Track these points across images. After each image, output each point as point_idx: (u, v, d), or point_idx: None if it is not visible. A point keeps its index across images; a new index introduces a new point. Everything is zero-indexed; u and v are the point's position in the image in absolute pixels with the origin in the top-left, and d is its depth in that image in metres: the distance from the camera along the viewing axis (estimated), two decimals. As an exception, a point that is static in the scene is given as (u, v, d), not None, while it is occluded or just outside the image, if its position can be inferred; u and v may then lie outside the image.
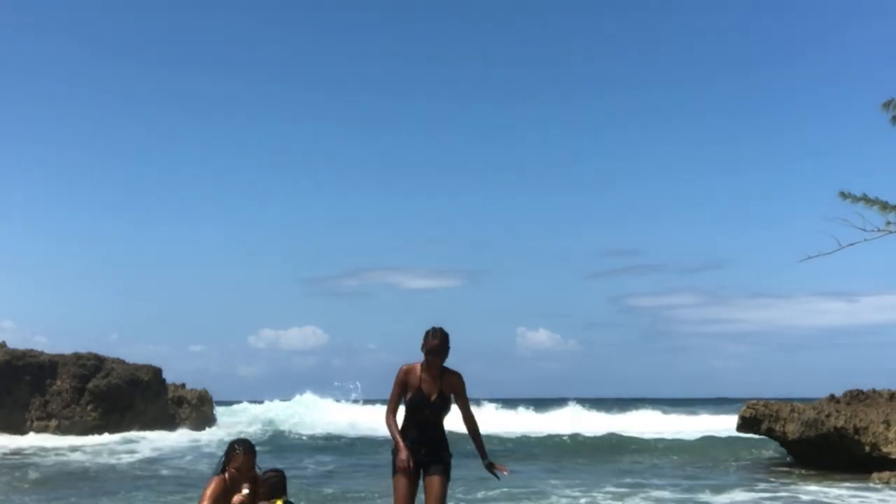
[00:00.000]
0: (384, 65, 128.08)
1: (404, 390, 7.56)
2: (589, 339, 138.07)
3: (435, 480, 7.44)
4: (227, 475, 6.57)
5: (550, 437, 37.24)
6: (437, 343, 7.55)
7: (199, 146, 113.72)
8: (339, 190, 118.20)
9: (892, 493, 19.50)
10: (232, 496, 6.47)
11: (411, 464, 7.31)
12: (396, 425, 7.52)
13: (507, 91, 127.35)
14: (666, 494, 19.37)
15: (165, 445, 30.62)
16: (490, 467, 7.61)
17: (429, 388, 7.52)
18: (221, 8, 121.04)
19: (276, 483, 6.68)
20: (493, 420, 42.97)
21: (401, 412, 7.65)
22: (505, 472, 7.62)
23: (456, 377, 7.65)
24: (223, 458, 6.65)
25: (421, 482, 7.51)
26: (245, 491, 6.44)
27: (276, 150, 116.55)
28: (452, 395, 7.63)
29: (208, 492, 6.52)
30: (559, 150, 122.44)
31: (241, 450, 6.57)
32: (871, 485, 20.81)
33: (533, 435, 38.31)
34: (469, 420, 7.79)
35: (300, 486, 18.44)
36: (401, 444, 7.35)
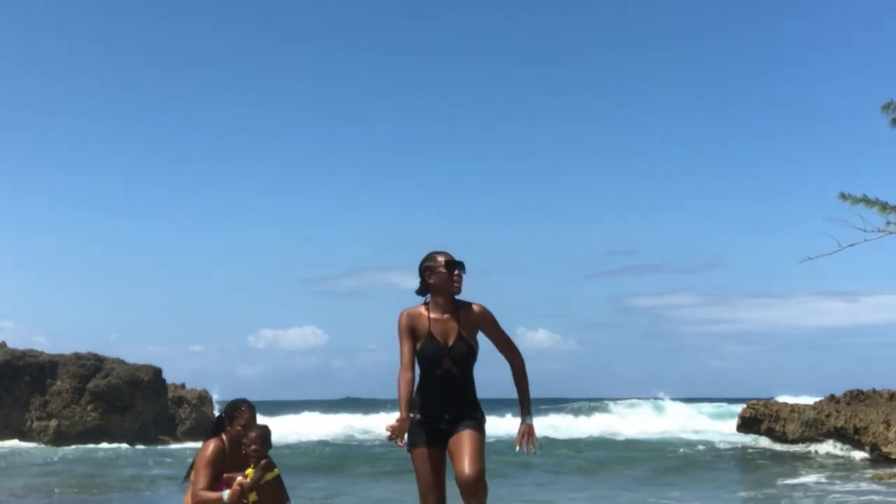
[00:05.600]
0: (386, 62, 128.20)
1: (413, 339, 5.74)
2: (589, 339, 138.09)
3: (464, 434, 5.64)
4: (224, 436, 6.37)
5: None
6: (449, 258, 5.86)
7: (199, 147, 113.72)
8: (338, 190, 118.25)
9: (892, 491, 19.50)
10: (231, 457, 6.26)
11: (401, 440, 5.59)
12: (409, 386, 5.65)
13: (507, 91, 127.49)
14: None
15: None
16: (524, 434, 5.79)
17: (444, 330, 5.72)
18: (221, 6, 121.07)
19: (267, 434, 6.39)
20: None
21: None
22: (532, 450, 5.78)
23: (478, 308, 5.85)
24: (221, 418, 6.48)
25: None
26: (242, 477, 6.21)
27: (275, 150, 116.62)
28: (478, 335, 5.85)
29: (207, 455, 6.26)
30: (559, 149, 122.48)
31: (245, 407, 6.43)
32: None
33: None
34: (512, 357, 5.92)
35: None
36: (402, 413, 5.57)
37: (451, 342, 5.70)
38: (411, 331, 5.73)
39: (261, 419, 6.63)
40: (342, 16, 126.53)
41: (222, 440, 6.35)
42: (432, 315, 5.76)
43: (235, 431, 6.33)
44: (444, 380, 5.71)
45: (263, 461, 6.23)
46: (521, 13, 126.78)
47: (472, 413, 5.76)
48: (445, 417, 5.70)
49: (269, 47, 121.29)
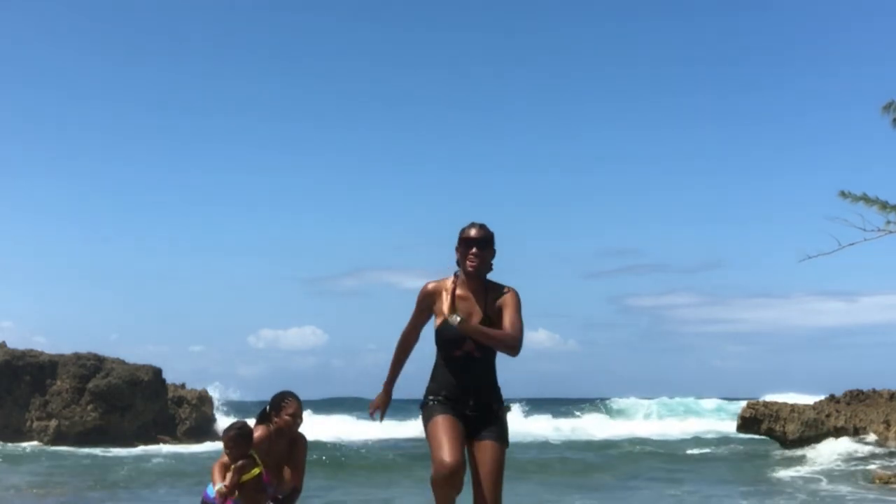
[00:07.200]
0: (385, 65, 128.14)
1: (425, 314, 5.55)
2: (589, 339, 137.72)
3: (487, 447, 5.32)
4: (272, 425, 6.64)
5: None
6: (476, 232, 5.45)
7: (199, 146, 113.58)
8: (338, 189, 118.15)
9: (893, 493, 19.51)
10: (274, 446, 6.55)
11: (380, 416, 5.72)
12: (401, 355, 5.73)
13: (506, 92, 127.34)
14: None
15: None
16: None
17: (467, 310, 5.34)
18: (218, 7, 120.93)
19: (241, 436, 6.54)
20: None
21: (425, 358, 5.63)
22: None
23: (507, 290, 5.46)
24: (268, 408, 6.72)
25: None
26: (225, 483, 6.41)
27: (275, 149, 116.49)
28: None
29: (256, 436, 6.59)
30: (558, 149, 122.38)
31: (291, 398, 6.71)
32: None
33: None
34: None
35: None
36: (384, 388, 5.74)
37: (476, 322, 5.32)
38: (426, 308, 5.51)
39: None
40: (346, 20, 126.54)
41: (269, 428, 6.67)
42: (459, 291, 5.35)
43: (283, 421, 6.64)
44: (464, 363, 5.35)
45: (240, 462, 6.45)
46: (520, 13, 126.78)
47: (495, 403, 5.42)
48: (470, 403, 5.34)
49: (271, 50, 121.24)
